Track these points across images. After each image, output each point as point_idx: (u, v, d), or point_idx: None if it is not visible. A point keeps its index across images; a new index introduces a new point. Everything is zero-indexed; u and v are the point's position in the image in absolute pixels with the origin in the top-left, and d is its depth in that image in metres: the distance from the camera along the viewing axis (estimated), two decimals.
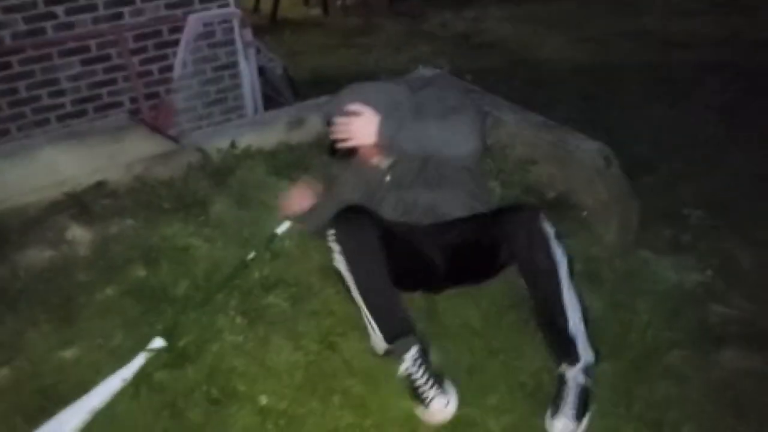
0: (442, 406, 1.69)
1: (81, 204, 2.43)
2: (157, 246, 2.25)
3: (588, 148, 2.45)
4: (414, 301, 2.02)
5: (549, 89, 4.93)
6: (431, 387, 1.70)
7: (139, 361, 1.82)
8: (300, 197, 2.30)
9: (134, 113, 3.68)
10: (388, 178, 2.06)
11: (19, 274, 2.16)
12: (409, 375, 1.73)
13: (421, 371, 1.72)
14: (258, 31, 4.63)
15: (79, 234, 2.31)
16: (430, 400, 1.69)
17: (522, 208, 1.86)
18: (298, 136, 2.87)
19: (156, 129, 2.66)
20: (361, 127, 1.94)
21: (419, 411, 1.72)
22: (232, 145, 2.74)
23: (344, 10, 7.13)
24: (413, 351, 1.74)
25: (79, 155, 2.47)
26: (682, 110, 4.46)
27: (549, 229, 1.76)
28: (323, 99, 2.91)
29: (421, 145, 1.90)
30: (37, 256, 2.22)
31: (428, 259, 1.94)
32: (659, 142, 3.97)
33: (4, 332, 1.97)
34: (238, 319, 1.98)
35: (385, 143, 1.94)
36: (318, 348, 1.90)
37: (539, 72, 5.41)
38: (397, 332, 1.77)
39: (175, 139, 2.62)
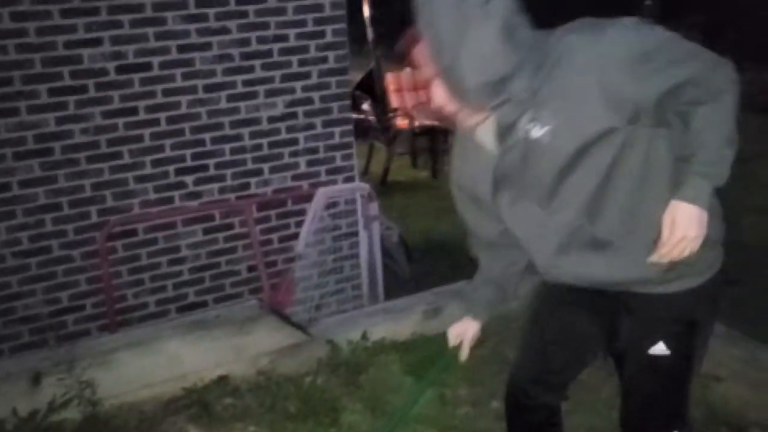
0: None
1: (201, 402, 2.21)
2: None
3: None
4: None
5: None
6: None
7: None
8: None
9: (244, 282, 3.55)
10: None
11: None
12: None
13: None
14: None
15: None
16: None
17: None
18: (436, 327, 2.61)
19: (283, 316, 2.46)
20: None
21: None
22: (364, 336, 2.52)
23: None
24: None
25: (204, 348, 2.29)
26: None
27: None
28: (460, 285, 2.68)
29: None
30: None
31: None
32: None
33: None
34: None
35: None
36: None
37: None
38: None
39: (304, 330, 2.41)
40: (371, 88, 7.68)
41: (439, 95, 1.53)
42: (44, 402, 2.13)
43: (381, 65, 7.61)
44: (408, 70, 8.32)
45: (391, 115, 7.41)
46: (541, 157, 1.52)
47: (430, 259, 5.00)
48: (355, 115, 8.05)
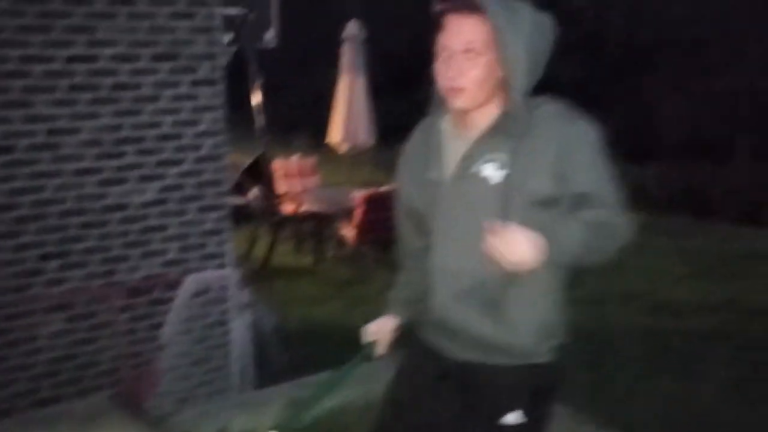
0: None
1: None
2: None
3: None
4: None
5: None
6: None
7: None
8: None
9: (115, 394, 3.40)
10: None
11: None
12: None
13: None
14: (247, 279, 4.54)
15: None
16: None
17: None
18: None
19: (137, 402, 2.39)
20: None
21: None
22: (222, 431, 2.47)
23: (337, 260, 7.17)
24: None
25: None
26: (690, 383, 4.29)
27: None
28: (323, 375, 2.69)
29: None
30: None
31: None
32: (671, 420, 3.75)
33: None
34: None
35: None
36: None
37: None
38: None
39: (157, 425, 2.34)
40: (259, 174, 7.75)
41: (473, 74, 1.72)
42: None
43: (269, 151, 7.74)
44: (296, 156, 8.52)
45: (277, 200, 7.47)
46: (484, 195, 1.76)
47: (309, 346, 4.98)
48: (239, 201, 8.10)
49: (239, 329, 3.86)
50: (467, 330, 1.81)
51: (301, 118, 14.41)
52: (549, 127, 1.74)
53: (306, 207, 7.27)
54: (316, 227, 7.33)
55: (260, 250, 7.23)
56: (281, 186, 7.84)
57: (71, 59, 3.33)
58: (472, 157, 1.77)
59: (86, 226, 3.49)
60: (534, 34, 1.71)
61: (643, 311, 5.79)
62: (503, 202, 1.73)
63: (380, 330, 2.02)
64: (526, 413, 1.80)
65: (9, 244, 3.34)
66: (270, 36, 7.86)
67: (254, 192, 7.66)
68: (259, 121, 7.57)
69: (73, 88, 3.36)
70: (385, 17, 13.57)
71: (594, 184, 1.74)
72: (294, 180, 8.12)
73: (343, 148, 8.23)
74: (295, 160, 8.35)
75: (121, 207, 3.57)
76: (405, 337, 2.05)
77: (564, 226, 1.71)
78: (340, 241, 7.12)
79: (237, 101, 3.87)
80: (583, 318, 5.55)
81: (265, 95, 7.79)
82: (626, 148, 15.20)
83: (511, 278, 1.72)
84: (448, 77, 1.74)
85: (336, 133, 7.88)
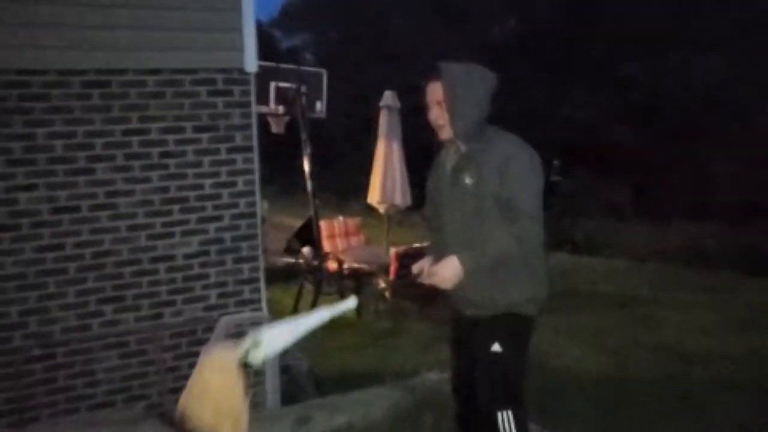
0: None
1: None
2: None
3: None
4: None
5: (565, 400, 5.00)
6: None
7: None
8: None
9: (153, 406, 3.88)
10: None
11: None
12: None
13: None
14: None
15: None
16: None
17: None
18: None
19: (168, 419, 2.84)
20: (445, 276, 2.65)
21: None
22: None
23: (377, 314, 7.57)
24: None
25: None
26: (701, 430, 4.45)
27: None
28: (331, 399, 3.09)
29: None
30: None
31: None
32: None
33: None
34: None
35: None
36: None
37: (556, 381, 5.52)
38: None
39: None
40: (308, 235, 8.29)
41: (441, 117, 2.74)
42: None
43: (318, 213, 8.28)
44: (340, 218, 9.05)
45: (322, 258, 7.97)
46: (464, 195, 2.74)
47: (340, 389, 5.34)
48: (290, 259, 8.66)
49: (272, 370, 4.29)
50: (466, 294, 2.77)
51: (351, 183, 15.09)
52: (498, 147, 2.70)
53: (348, 264, 7.74)
54: (357, 282, 7.77)
55: (305, 304, 7.70)
56: (327, 245, 8.37)
57: (127, 132, 3.96)
58: (458, 170, 2.77)
59: (138, 274, 4.05)
60: (478, 86, 2.70)
61: (669, 361, 5.93)
62: (477, 199, 2.68)
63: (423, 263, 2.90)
64: (502, 345, 2.73)
65: (72, 289, 3.92)
66: (320, 107, 8.57)
67: (304, 252, 8.19)
68: (310, 186, 8.12)
69: (129, 156, 3.97)
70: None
71: (516, 193, 2.63)
72: (338, 239, 8.65)
73: (382, 209, 8.72)
74: (339, 221, 8.90)
75: (168, 258, 4.11)
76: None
77: (492, 238, 2.65)
78: (379, 295, 7.53)
79: (290, 168, 4.40)
80: (603, 367, 5.84)
81: (317, 162, 8.37)
82: (685, 208, 15.28)
83: None
84: (432, 121, 2.78)
85: (374, 195, 8.40)
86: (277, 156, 12.08)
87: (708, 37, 16.25)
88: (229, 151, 4.21)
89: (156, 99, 3.99)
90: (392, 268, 7.07)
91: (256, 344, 2.35)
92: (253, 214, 4.34)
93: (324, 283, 7.71)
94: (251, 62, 4.16)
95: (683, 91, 16.54)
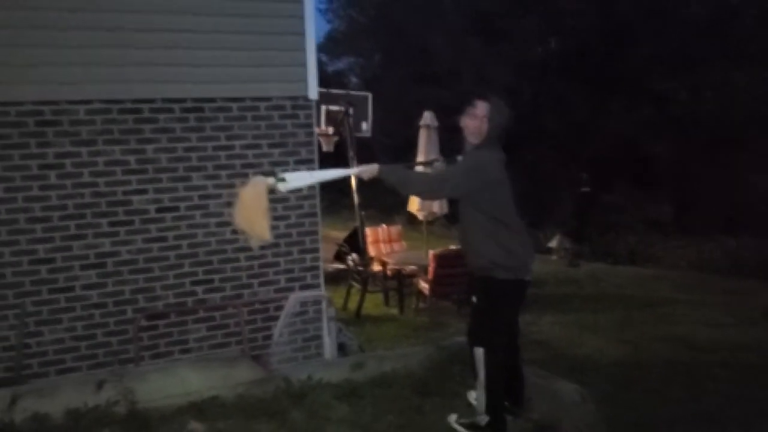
0: None
1: (199, 409, 3.48)
2: None
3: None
4: None
5: (582, 376, 5.78)
6: None
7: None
8: None
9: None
10: None
11: None
12: None
13: None
14: (343, 323, 5.89)
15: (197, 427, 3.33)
16: None
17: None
18: (359, 376, 3.91)
19: (257, 359, 3.77)
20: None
21: None
22: (309, 377, 3.80)
23: (417, 311, 8.43)
24: None
25: (204, 376, 3.58)
26: (700, 402, 5.19)
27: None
28: (379, 352, 3.97)
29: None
30: None
31: None
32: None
33: None
34: None
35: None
36: None
37: (575, 363, 6.31)
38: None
39: (269, 370, 3.72)
40: (355, 243, 9.23)
41: (476, 128, 3.64)
42: (104, 399, 3.40)
43: (363, 223, 9.21)
44: (383, 226, 9.98)
45: (368, 261, 8.88)
46: None
47: None
48: (339, 265, 9.64)
49: (330, 340, 5.21)
50: (469, 261, 3.69)
51: (394, 199, 15.98)
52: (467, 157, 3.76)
53: (391, 266, 8.64)
54: (399, 282, 8.65)
55: (353, 302, 8.63)
56: (372, 249, 9.29)
57: (216, 148, 4.96)
58: None
59: (224, 261, 5.03)
60: (503, 114, 3.67)
61: (678, 350, 6.65)
62: None
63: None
64: (477, 298, 3.65)
65: (172, 273, 4.91)
66: (366, 127, 9.53)
67: (351, 258, 9.12)
68: (357, 199, 9.10)
69: (217, 167, 4.97)
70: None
71: (449, 168, 3.86)
72: (382, 244, 9.58)
73: (421, 216, 9.63)
74: (383, 229, 9.84)
75: (247, 249, 5.08)
76: None
77: (404, 169, 3.78)
78: (420, 294, 8.41)
79: (334, 186, 5.30)
80: (619, 353, 6.59)
81: (361, 180, 9.26)
82: (725, 222, 15.61)
83: (468, 231, 3.67)
84: (466, 126, 3.68)
85: (414, 203, 9.31)
86: None
87: (748, 50, 16.56)
88: (296, 162, 5.18)
89: (239, 121, 5.00)
90: (431, 269, 7.94)
91: (282, 179, 3.36)
92: (314, 214, 5.30)
93: (370, 283, 8.61)
94: (313, 91, 5.14)
95: (722, 106, 16.86)
